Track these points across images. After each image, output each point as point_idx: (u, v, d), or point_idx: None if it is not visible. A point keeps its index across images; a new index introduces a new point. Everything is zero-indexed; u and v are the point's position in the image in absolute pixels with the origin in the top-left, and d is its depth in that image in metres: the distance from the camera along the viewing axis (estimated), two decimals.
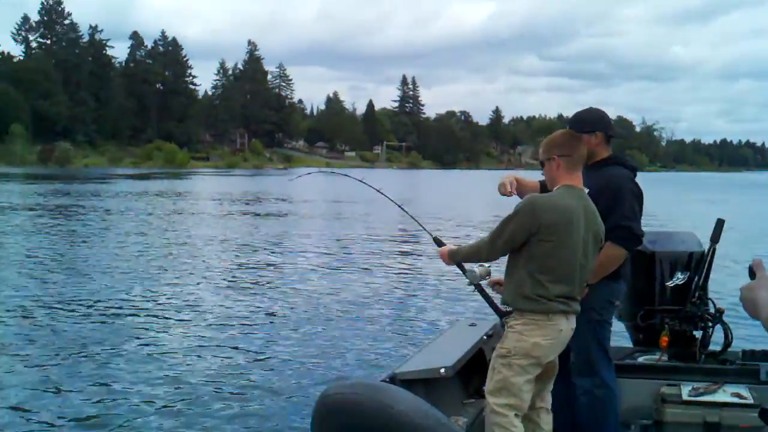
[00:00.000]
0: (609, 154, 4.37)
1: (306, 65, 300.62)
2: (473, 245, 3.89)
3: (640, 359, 5.06)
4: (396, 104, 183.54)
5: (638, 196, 4.27)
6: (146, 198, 38.61)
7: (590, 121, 4.35)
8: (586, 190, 3.80)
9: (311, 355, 8.63)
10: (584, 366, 4.28)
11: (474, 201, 42.04)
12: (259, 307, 11.40)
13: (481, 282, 4.00)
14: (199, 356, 8.58)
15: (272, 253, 18.16)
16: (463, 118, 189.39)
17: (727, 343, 4.97)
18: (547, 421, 3.90)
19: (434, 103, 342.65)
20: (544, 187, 4.40)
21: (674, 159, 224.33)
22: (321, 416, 2.94)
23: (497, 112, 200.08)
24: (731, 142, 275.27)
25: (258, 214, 29.95)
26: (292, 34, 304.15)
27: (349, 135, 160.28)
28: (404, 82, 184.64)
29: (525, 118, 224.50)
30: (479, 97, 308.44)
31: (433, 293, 12.77)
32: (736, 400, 4.50)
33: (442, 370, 4.20)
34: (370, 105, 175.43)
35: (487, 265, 4.03)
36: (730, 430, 4.46)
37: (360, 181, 5.21)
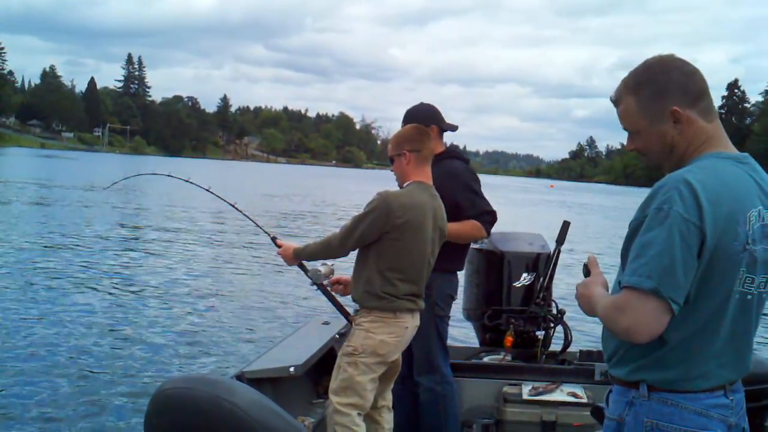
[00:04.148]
0: (444, 149, 4.50)
1: (18, 34, 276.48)
2: (322, 242, 3.82)
3: (485, 359, 5.12)
4: (120, 84, 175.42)
5: (479, 184, 4.44)
6: None
7: (424, 115, 4.42)
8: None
9: (157, 352, 8.18)
10: (426, 363, 4.35)
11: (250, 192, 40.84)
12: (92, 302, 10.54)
13: (324, 282, 3.94)
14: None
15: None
16: (190, 103, 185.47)
17: (567, 343, 5.14)
18: (388, 419, 3.90)
19: (160, 86, 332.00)
20: None
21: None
22: (154, 411, 2.81)
23: (225, 101, 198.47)
24: None
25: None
26: None
27: (68, 114, 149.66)
28: (129, 61, 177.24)
29: (252, 108, 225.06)
30: (206, 83, 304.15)
31: (286, 291, 12.24)
32: (571, 399, 4.64)
33: (291, 369, 4.12)
34: (92, 83, 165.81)
35: (330, 263, 3.97)
36: (565, 428, 4.58)
37: (187, 181, 4.43)
